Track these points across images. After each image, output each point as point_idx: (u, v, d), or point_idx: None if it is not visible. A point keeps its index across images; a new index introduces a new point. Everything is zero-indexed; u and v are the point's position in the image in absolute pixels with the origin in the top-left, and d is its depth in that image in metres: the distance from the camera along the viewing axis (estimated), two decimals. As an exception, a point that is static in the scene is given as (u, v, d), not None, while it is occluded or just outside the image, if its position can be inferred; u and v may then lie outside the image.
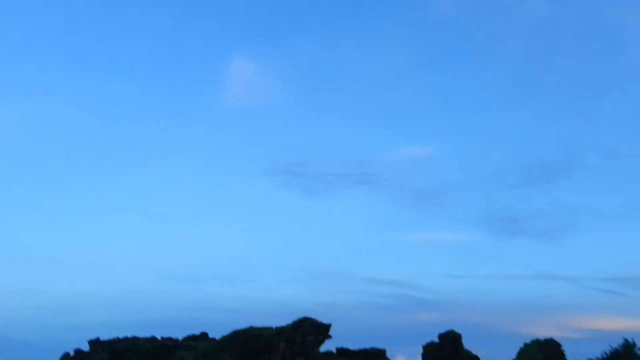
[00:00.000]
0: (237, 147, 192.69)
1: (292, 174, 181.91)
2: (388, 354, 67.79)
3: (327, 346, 68.52)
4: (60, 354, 71.11)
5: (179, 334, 73.16)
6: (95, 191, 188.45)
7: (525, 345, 61.76)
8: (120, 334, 72.62)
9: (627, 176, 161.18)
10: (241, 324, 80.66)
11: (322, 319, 68.70)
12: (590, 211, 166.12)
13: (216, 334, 72.91)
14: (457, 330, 65.66)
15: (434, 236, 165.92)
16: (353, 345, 68.39)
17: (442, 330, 66.24)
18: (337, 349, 69.13)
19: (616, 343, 46.00)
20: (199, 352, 65.74)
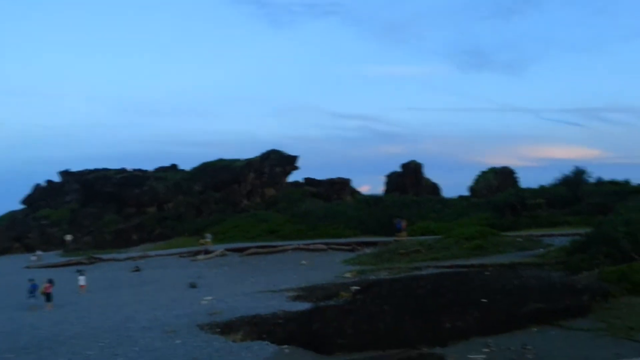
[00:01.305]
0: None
1: (258, 3, 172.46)
2: (353, 184, 71.02)
3: (295, 177, 71.12)
4: (31, 185, 72.00)
5: (149, 167, 74.22)
6: (51, 18, 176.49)
7: (482, 172, 65.05)
8: (91, 167, 73.19)
9: (596, 8, 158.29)
10: (210, 156, 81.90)
11: (289, 151, 70.27)
12: (557, 43, 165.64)
13: (186, 166, 74.32)
14: (419, 160, 68.42)
15: (399, 69, 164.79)
16: (319, 176, 71.13)
17: (403, 161, 69.06)
18: (305, 179, 71.82)
19: (568, 170, 48.71)
20: (170, 182, 67.32)
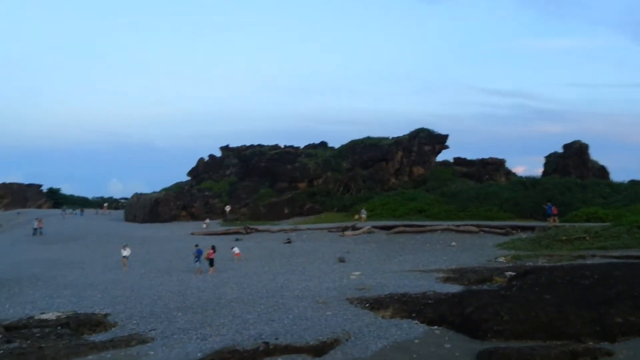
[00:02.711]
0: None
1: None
2: (508, 165, 67.35)
3: (444, 156, 69.15)
4: (195, 159, 78.52)
5: (300, 143, 77.00)
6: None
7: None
8: (247, 142, 77.84)
9: None
10: (358, 134, 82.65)
11: (438, 130, 68.37)
12: None
13: (334, 143, 75.84)
14: (584, 141, 62.74)
15: (561, 42, 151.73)
16: (469, 155, 68.38)
17: (565, 141, 63.70)
18: (454, 159, 69.57)
19: None
20: (319, 159, 69.21)
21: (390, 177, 64.78)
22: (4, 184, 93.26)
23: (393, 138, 68.43)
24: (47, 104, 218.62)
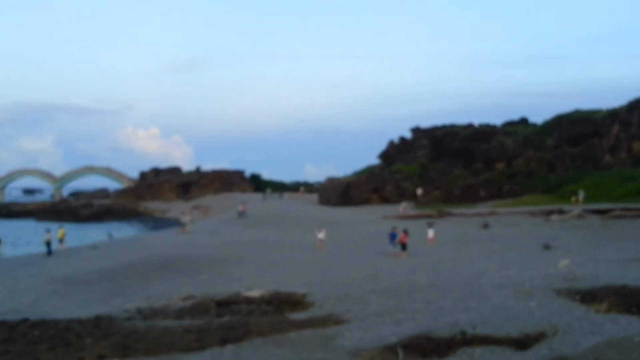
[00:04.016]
0: None
1: None
2: None
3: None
4: (385, 142, 79.02)
5: (497, 121, 72.92)
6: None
7: None
8: (439, 123, 76.06)
9: None
10: (565, 107, 75.43)
11: (666, 97, 59.10)
12: None
13: (537, 119, 70.48)
14: None
15: None
16: None
17: None
18: (686, 130, 59.55)
19: None
20: (519, 137, 64.70)
21: (604, 154, 57.89)
22: (214, 171, 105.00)
23: (607, 110, 61.20)
24: (243, 95, 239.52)
